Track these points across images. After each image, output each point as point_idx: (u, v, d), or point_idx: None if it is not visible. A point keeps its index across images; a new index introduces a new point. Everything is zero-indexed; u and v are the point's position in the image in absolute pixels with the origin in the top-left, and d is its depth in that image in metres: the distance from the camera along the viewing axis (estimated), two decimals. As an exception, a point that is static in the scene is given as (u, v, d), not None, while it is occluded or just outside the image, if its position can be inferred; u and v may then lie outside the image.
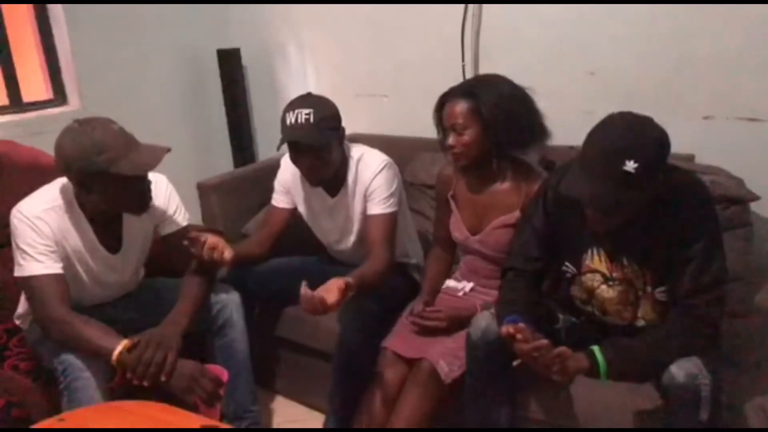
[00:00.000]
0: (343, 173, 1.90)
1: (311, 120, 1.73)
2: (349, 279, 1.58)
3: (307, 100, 1.80)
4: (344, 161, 1.90)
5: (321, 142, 1.75)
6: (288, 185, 2.01)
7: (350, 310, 1.75)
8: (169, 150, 1.56)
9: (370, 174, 1.86)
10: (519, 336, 1.35)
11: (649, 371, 1.38)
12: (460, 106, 1.66)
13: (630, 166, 1.22)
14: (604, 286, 1.51)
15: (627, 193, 1.26)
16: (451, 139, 1.68)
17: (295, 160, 1.84)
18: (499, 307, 1.53)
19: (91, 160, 1.49)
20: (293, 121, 1.74)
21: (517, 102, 1.67)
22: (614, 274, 1.49)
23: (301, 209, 2.04)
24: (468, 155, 1.68)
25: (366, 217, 1.88)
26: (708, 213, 1.38)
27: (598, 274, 1.52)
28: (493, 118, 1.63)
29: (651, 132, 1.28)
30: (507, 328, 1.37)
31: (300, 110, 1.74)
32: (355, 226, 1.96)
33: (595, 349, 1.37)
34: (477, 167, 1.72)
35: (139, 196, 1.61)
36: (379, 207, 1.85)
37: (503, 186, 1.74)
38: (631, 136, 1.26)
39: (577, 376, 1.38)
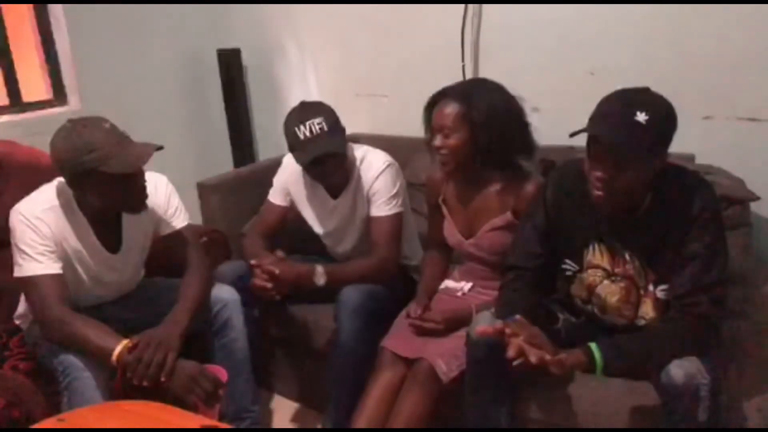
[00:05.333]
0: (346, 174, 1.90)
1: (325, 128, 1.73)
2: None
3: (310, 109, 1.79)
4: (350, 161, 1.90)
5: (343, 146, 1.79)
6: (289, 185, 2.01)
7: (349, 310, 1.76)
8: (160, 147, 1.55)
9: (373, 175, 1.86)
10: (507, 330, 1.35)
11: (646, 369, 1.38)
12: (451, 109, 1.64)
13: (641, 117, 1.29)
14: (606, 282, 1.51)
15: (635, 144, 1.30)
16: (437, 141, 1.66)
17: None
18: (499, 309, 1.53)
19: (81, 159, 1.48)
20: (308, 133, 1.72)
21: (508, 114, 1.65)
22: (616, 270, 1.49)
23: (302, 209, 2.04)
24: (454, 159, 1.66)
25: (370, 219, 1.88)
26: (714, 214, 1.38)
27: (600, 270, 1.52)
28: (482, 126, 1.61)
29: (661, 99, 1.36)
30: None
31: (311, 121, 1.73)
32: (356, 227, 1.96)
33: (593, 345, 1.36)
34: (463, 171, 1.71)
35: (134, 194, 1.60)
36: (382, 209, 1.85)
37: (493, 189, 1.73)
38: (644, 95, 1.36)
39: (577, 375, 1.38)
